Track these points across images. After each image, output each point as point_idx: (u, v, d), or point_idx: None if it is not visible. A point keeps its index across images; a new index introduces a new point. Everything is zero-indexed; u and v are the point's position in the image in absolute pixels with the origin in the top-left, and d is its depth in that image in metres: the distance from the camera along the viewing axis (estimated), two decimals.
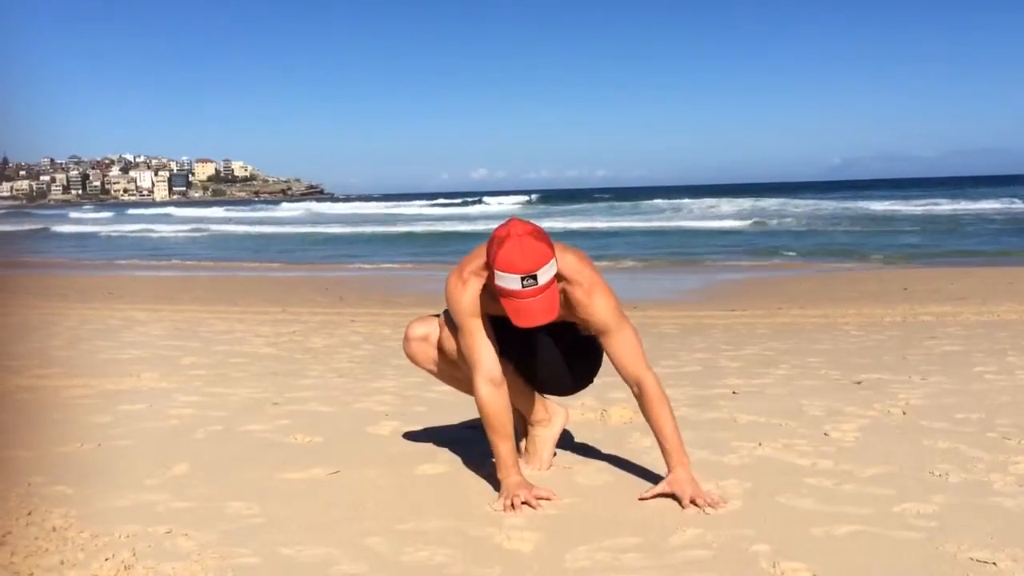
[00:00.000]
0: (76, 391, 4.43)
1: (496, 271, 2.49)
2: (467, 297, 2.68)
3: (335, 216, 47.23)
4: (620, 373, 2.73)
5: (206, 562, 2.22)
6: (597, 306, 2.67)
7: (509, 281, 2.47)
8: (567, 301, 2.66)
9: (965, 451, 3.14)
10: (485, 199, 64.80)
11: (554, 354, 2.90)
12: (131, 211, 62.76)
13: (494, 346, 2.72)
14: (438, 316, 2.95)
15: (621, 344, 2.68)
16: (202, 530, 2.44)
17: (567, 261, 2.65)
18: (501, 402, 2.69)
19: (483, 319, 2.70)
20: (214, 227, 36.93)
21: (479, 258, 2.67)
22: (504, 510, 2.58)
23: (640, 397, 2.69)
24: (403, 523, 2.49)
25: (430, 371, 3.01)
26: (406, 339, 2.99)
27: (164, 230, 35.46)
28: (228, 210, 60.00)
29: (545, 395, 3.05)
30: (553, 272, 2.51)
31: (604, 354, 2.85)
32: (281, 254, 21.63)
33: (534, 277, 2.46)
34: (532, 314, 2.50)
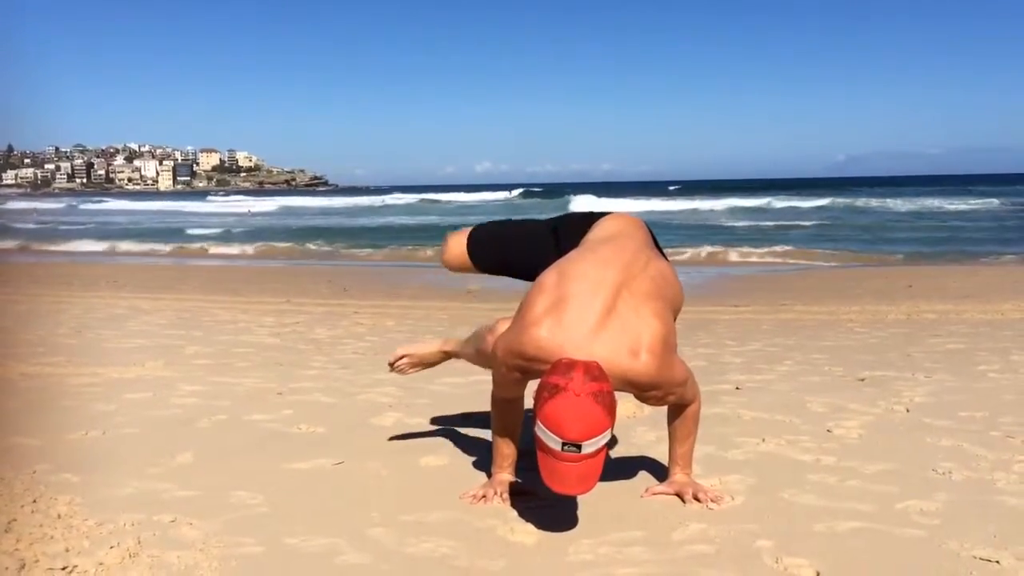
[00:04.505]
0: (81, 379, 4.45)
1: (538, 421, 2.19)
2: (512, 377, 2.48)
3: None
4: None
5: (210, 551, 2.23)
6: (670, 402, 2.52)
7: (549, 439, 2.17)
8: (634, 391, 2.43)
9: (968, 449, 3.14)
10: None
11: None
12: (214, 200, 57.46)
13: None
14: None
15: (679, 401, 2.56)
16: (206, 519, 2.45)
17: (644, 367, 2.31)
18: (514, 412, 2.67)
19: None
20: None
21: (538, 347, 2.33)
22: (472, 500, 2.60)
23: (676, 407, 2.61)
24: (407, 514, 2.50)
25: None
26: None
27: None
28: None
29: None
30: (604, 443, 2.20)
31: None
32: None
33: (578, 446, 2.15)
34: (565, 481, 2.20)
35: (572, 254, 2.60)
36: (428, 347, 3.05)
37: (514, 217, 3.18)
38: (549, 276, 2.48)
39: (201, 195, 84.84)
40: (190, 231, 26.21)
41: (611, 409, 2.20)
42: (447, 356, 3.01)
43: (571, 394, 2.14)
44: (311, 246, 20.35)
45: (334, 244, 20.63)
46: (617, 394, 2.25)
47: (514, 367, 2.43)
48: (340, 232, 25.23)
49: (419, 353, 3.03)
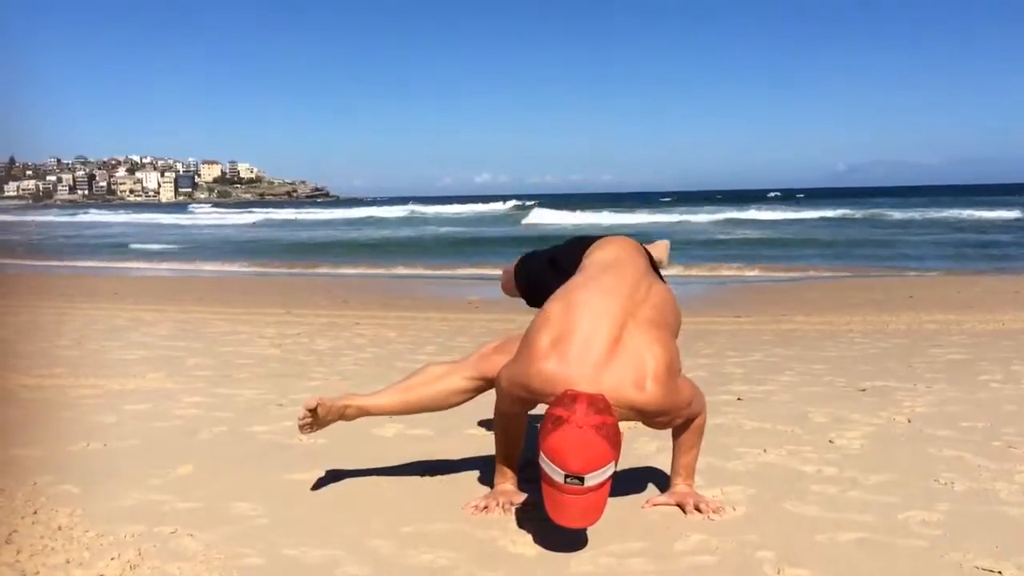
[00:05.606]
0: (82, 391, 4.45)
1: (541, 452, 2.20)
2: (516, 406, 2.51)
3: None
4: None
5: (211, 562, 2.23)
6: (676, 424, 2.53)
7: (552, 471, 2.17)
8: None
9: (970, 459, 3.14)
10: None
11: None
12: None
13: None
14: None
15: (686, 419, 2.56)
16: (207, 530, 2.45)
17: (651, 396, 2.30)
18: (517, 424, 2.68)
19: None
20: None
21: (543, 380, 2.31)
22: (475, 511, 2.60)
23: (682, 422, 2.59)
24: (407, 525, 2.50)
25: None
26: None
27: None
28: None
29: None
30: (607, 476, 2.19)
31: None
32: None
33: (581, 479, 2.14)
34: (568, 513, 2.19)
35: (576, 281, 2.59)
36: (342, 401, 2.80)
37: (541, 248, 3.18)
38: (555, 306, 2.47)
39: (183, 207, 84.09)
40: (134, 246, 25.08)
41: (615, 442, 2.18)
42: (359, 412, 2.81)
43: (573, 426, 2.14)
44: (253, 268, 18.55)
45: (296, 263, 19.35)
46: None
47: (518, 398, 2.44)
48: (313, 247, 24.85)
49: (327, 405, 2.74)
